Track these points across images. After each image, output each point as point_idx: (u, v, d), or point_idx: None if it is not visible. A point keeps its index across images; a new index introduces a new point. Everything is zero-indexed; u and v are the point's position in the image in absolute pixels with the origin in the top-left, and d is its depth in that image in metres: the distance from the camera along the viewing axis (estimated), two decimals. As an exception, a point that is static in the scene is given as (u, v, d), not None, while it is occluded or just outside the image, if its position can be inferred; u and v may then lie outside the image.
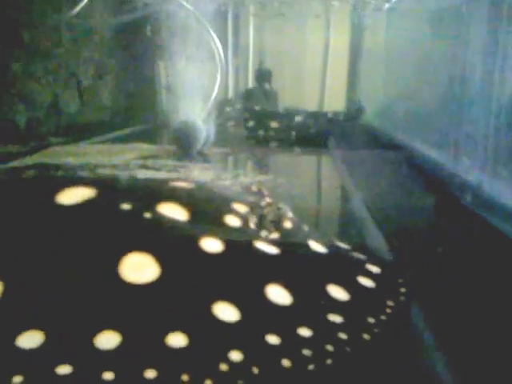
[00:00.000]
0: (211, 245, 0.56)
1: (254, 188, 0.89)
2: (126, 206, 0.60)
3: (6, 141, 1.69)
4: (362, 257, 0.66)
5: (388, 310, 0.53)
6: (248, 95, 3.15)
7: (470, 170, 0.95)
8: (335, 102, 3.03)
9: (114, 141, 2.07)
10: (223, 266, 0.54)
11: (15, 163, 1.49)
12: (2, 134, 1.69)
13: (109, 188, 0.66)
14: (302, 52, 3.36)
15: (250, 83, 3.44)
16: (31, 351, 0.41)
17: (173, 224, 0.60)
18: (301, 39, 3.35)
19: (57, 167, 1.42)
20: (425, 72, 1.44)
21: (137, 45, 2.75)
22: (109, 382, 0.39)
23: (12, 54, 1.71)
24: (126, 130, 2.46)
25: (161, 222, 0.59)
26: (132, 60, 2.74)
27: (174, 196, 0.65)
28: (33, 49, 1.81)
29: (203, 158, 1.72)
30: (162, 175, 1.32)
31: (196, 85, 1.80)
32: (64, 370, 0.39)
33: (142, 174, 1.32)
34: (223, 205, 0.68)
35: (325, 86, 3.28)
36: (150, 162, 1.54)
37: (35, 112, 1.85)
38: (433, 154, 1.20)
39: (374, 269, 0.62)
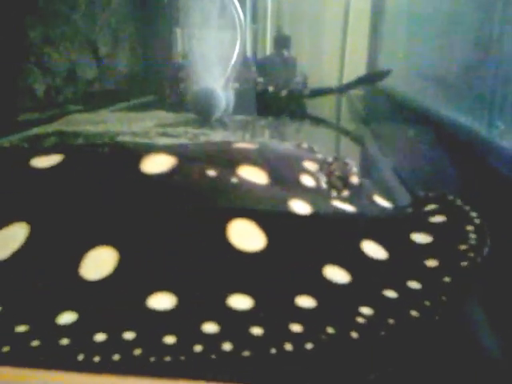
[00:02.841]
0: (300, 207, 0.57)
1: (305, 145, 0.88)
2: (211, 173, 0.61)
3: (24, 109, 1.68)
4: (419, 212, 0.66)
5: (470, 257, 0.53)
6: (264, 62, 3.09)
7: (505, 136, 0.91)
8: (356, 67, 2.96)
9: (133, 108, 2.05)
10: (318, 229, 0.55)
11: (34, 131, 1.48)
12: (21, 102, 1.68)
13: (185, 155, 0.65)
14: (322, 15, 3.28)
15: (268, 50, 3.38)
16: (168, 312, 0.42)
17: (261, 188, 0.60)
18: (320, 2, 3.27)
19: (76, 135, 1.41)
20: (454, 32, 1.38)
21: (154, 11, 2.71)
22: (259, 336, 0.39)
23: (28, 21, 1.68)
24: (144, 98, 2.43)
25: (250, 186, 0.60)
26: (149, 27, 2.70)
27: (250, 160, 0.65)
28: (49, 14, 1.78)
29: (222, 125, 1.69)
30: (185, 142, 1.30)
31: (215, 51, 1.77)
32: (210, 327, 0.40)
33: (163, 142, 1.30)
34: (295, 164, 0.69)
35: (345, 50, 3.21)
36: (169, 130, 1.52)
37: (53, 79, 1.83)
38: (464, 119, 1.15)
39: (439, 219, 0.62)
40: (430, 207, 0.66)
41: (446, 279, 0.48)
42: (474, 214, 0.62)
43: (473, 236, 0.56)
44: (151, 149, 0.65)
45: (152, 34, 2.73)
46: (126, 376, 0.38)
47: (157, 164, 0.61)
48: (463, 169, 1.00)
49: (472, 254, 0.52)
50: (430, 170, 1.06)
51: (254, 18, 3.32)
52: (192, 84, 1.76)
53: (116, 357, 0.37)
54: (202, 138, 1.38)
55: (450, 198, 0.68)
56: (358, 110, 2.41)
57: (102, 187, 0.58)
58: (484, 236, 0.56)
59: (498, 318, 0.50)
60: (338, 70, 3.19)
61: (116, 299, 0.44)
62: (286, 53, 3.12)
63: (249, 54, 3.17)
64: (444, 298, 0.46)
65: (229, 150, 0.71)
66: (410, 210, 0.68)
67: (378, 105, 2.52)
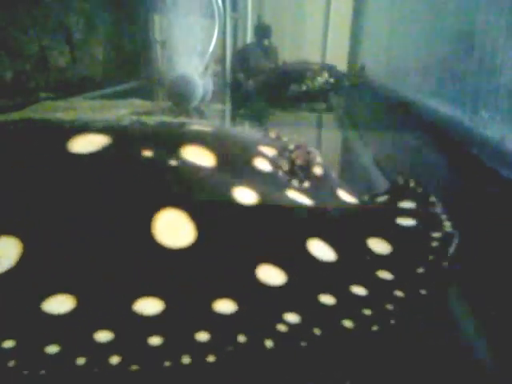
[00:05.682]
0: (246, 195, 0.51)
1: (273, 134, 0.81)
2: (147, 153, 0.53)
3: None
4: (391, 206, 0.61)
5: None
6: (244, 52, 3.03)
7: (489, 125, 0.88)
8: (338, 57, 2.93)
9: (107, 96, 1.99)
10: (261, 221, 0.49)
11: (1, 118, 1.41)
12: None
13: (124, 134, 0.58)
14: (303, 4, 3.23)
15: (249, 39, 3.32)
16: (61, 317, 0.37)
17: (202, 173, 0.53)
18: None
19: (46, 122, 1.35)
20: (437, 24, 1.34)
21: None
22: (155, 347, 0.34)
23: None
24: (120, 86, 2.37)
25: (189, 170, 0.53)
26: (126, 13, 2.62)
27: (197, 139, 0.58)
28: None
29: (200, 113, 1.64)
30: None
31: (193, 39, 1.72)
32: (104, 335, 0.35)
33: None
34: (250, 147, 0.62)
35: (327, 39, 3.17)
36: (144, 118, 1.46)
37: (22, 65, 1.75)
38: (446, 109, 1.13)
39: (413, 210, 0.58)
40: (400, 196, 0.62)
41: (398, 291, 0.43)
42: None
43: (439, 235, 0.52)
44: (84, 126, 0.57)
45: (129, 20, 2.65)
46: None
47: (86, 143, 0.53)
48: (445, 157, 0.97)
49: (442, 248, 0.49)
50: (409, 159, 1.03)
51: (235, 7, 3.26)
52: (170, 71, 1.71)
53: None
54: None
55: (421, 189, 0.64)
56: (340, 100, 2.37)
57: (12, 167, 0.50)
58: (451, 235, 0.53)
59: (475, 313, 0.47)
60: (319, 60, 3.15)
61: (7, 300, 0.38)
62: (266, 42, 3.07)
63: (228, 42, 3.12)
64: (390, 307, 0.41)
65: (177, 130, 0.63)
66: (376, 204, 0.63)
67: (361, 95, 2.49)
